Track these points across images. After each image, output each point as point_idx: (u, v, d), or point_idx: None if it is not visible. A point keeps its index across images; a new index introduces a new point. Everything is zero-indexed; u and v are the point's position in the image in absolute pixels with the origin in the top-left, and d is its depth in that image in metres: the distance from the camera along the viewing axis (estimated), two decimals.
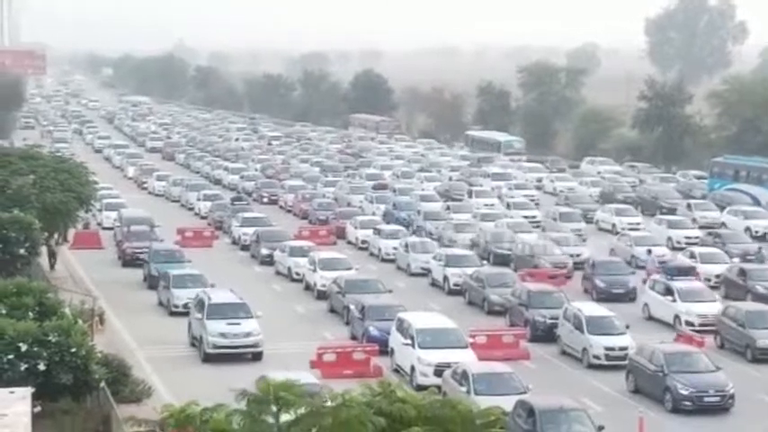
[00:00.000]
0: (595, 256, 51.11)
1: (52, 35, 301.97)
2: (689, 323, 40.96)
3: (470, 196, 71.32)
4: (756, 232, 60.53)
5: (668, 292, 42.69)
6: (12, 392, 21.88)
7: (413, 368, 34.43)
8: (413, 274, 51.48)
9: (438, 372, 33.28)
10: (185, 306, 41.67)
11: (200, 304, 38.14)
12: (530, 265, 50.37)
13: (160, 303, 44.56)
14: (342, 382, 26.60)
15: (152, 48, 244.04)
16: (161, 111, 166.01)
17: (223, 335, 36.61)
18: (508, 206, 66.62)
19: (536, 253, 51.45)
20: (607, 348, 36.72)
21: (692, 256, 51.35)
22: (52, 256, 49.66)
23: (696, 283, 43.96)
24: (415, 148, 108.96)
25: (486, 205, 66.82)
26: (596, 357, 36.68)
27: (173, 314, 42.75)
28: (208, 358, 36.54)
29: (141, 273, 49.97)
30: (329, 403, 18.39)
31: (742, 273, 46.90)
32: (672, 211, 65.86)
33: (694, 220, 63.02)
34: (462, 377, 31.16)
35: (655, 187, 75.58)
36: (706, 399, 32.23)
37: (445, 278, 48.63)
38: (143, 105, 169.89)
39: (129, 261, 53.38)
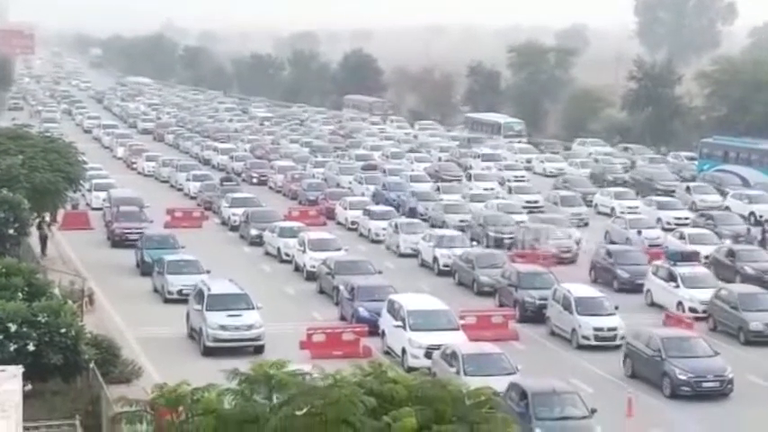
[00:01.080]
0: (610, 245, 49.85)
1: (40, 15, 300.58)
2: (692, 309, 40.30)
3: (468, 179, 70.60)
4: (761, 217, 59.56)
5: (671, 277, 41.98)
6: (2, 371, 21.86)
7: (404, 350, 34.44)
8: (402, 255, 51.49)
9: (429, 354, 33.25)
10: (180, 293, 41.04)
11: (199, 295, 36.90)
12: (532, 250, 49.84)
13: (155, 290, 43.81)
14: (331, 363, 26.61)
15: (141, 27, 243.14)
16: (151, 91, 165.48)
17: (224, 327, 35.25)
18: (510, 190, 65.65)
19: (539, 237, 50.81)
20: (596, 329, 36.66)
21: (681, 237, 51.38)
22: (43, 241, 49.13)
23: (699, 269, 43.26)
24: (407, 129, 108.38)
25: (486, 189, 66.06)
26: (585, 338, 36.65)
27: (167, 301, 41.94)
28: (208, 351, 34.96)
29: (131, 255, 49.22)
30: (320, 383, 18.41)
31: (731, 254, 46.85)
32: (668, 194, 65.30)
33: (694, 204, 62.78)
34: (452, 358, 31.18)
35: (650, 169, 75.01)
36: (704, 384, 31.83)
37: (435, 259, 48.63)
38: (143, 86, 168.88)
39: (119, 242, 53.15)
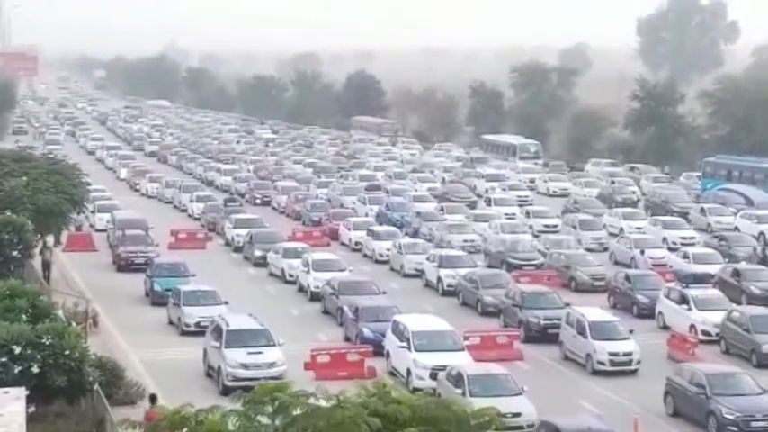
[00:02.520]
0: (628, 269, 49.20)
1: (43, 37, 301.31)
2: (705, 332, 39.76)
3: (489, 204, 68.80)
4: None
5: (683, 300, 41.38)
6: (6, 392, 21.84)
7: (409, 371, 34.32)
8: (406, 276, 51.47)
9: (434, 375, 33.13)
10: (198, 325, 39.55)
11: (216, 331, 34.99)
12: (565, 278, 48.89)
13: (170, 322, 42.09)
14: (336, 384, 26.57)
15: (144, 49, 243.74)
16: (155, 112, 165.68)
17: (244, 366, 33.24)
18: (527, 214, 64.49)
19: (572, 264, 49.75)
20: (611, 354, 36.14)
21: (686, 256, 51.30)
22: (46, 267, 48.15)
23: (713, 291, 42.51)
24: (414, 150, 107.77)
25: (507, 215, 64.41)
26: (600, 363, 36.08)
27: (184, 334, 40.25)
28: (226, 391, 31.83)
29: (137, 280, 47.94)
30: (324, 404, 18.36)
31: (736, 273, 46.58)
32: (684, 215, 64.33)
33: (709, 225, 62.42)
34: (457, 379, 31.08)
35: (665, 191, 73.60)
36: (753, 423, 30.01)
37: (439, 279, 48.58)
38: (164, 109, 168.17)
39: (124, 266, 52.43)
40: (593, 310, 39.02)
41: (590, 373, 36.11)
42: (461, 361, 33.35)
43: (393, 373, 35.38)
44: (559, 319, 39.38)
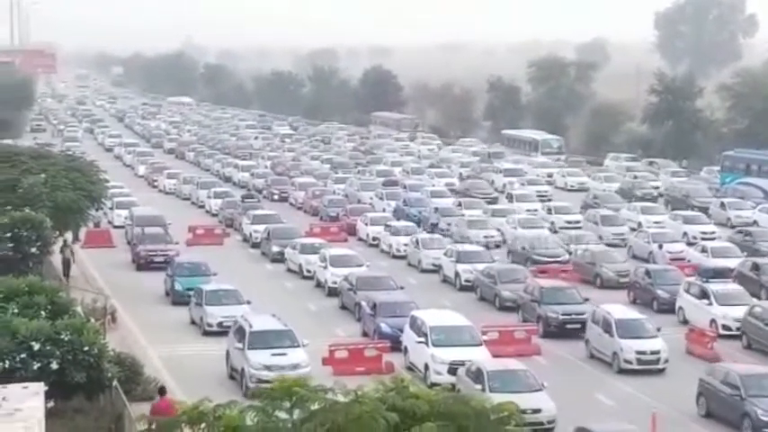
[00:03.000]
0: (648, 264, 48.85)
1: (61, 35, 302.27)
2: (726, 327, 39.43)
3: (510, 200, 68.38)
4: None
5: (704, 295, 41.03)
6: (25, 387, 21.92)
7: (426, 366, 34.28)
8: (424, 271, 51.45)
9: (452, 370, 33.07)
10: (220, 325, 39.05)
11: (239, 332, 34.39)
12: (591, 274, 48.48)
13: (192, 322, 41.63)
14: (354, 379, 26.57)
15: (161, 46, 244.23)
16: (173, 108, 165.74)
17: (268, 367, 32.53)
18: (549, 210, 63.60)
19: (597, 260, 49.08)
20: (638, 352, 35.58)
21: (704, 250, 51.15)
22: (66, 265, 47.98)
23: (733, 286, 42.06)
24: (431, 145, 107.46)
25: (529, 211, 63.75)
26: (627, 362, 35.48)
27: (206, 334, 39.80)
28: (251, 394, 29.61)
29: (155, 278, 47.65)
30: (342, 399, 18.38)
31: (755, 267, 46.35)
32: (704, 210, 64.08)
33: (729, 219, 62.09)
34: (477, 375, 31.00)
35: (686, 185, 73.14)
36: None
37: (456, 274, 48.54)
38: (184, 106, 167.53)
39: (144, 265, 51.90)
40: (620, 308, 38.43)
41: (616, 371, 35.53)
42: (479, 356, 33.31)
43: (411, 368, 35.36)
44: (579, 315, 39.28)
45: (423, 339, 34.96)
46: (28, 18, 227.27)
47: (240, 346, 33.72)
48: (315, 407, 18.22)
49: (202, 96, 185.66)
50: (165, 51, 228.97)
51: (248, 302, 40.30)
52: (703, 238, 55.41)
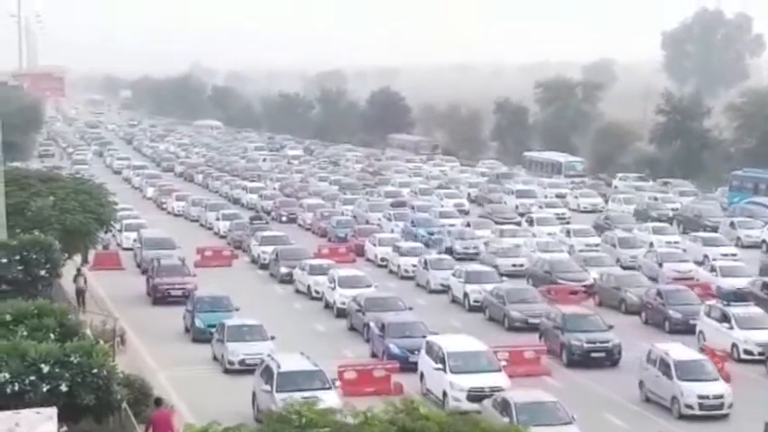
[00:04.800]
0: (661, 285, 47.96)
1: (69, 58, 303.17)
2: (747, 351, 38.76)
3: (531, 224, 66.52)
4: None
5: (724, 318, 40.08)
6: (38, 413, 21.88)
7: (445, 393, 33.45)
8: (432, 291, 51.41)
9: (471, 397, 32.20)
10: (242, 363, 37.21)
11: (266, 372, 32.40)
12: (616, 299, 47.28)
13: (214, 358, 39.50)
14: (363, 400, 26.54)
15: (169, 69, 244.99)
16: (182, 131, 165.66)
17: None
18: (568, 233, 62.16)
19: (622, 285, 47.96)
20: (701, 397, 33.00)
21: (713, 269, 51.05)
22: (80, 295, 46.93)
23: (755, 309, 41.02)
24: (443, 167, 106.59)
25: (550, 234, 62.37)
26: (689, 407, 32.92)
27: (228, 372, 37.74)
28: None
29: (171, 312, 45.51)
30: (351, 421, 18.35)
31: (765, 287, 46.10)
32: (714, 230, 63.52)
33: (739, 239, 61.66)
34: (504, 406, 29.71)
35: (698, 205, 72.27)
36: None
37: (465, 295, 48.45)
38: (214, 130, 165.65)
39: (161, 299, 48.92)
40: (678, 348, 35.77)
41: (677, 417, 33.02)
42: (499, 382, 32.70)
43: (427, 394, 34.51)
44: (603, 343, 38.34)
45: (440, 366, 34.21)
46: (36, 41, 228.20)
47: (268, 388, 31.48)
48: (324, 430, 18.20)
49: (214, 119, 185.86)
50: (173, 74, 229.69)
51: (272, 338, 38.33)
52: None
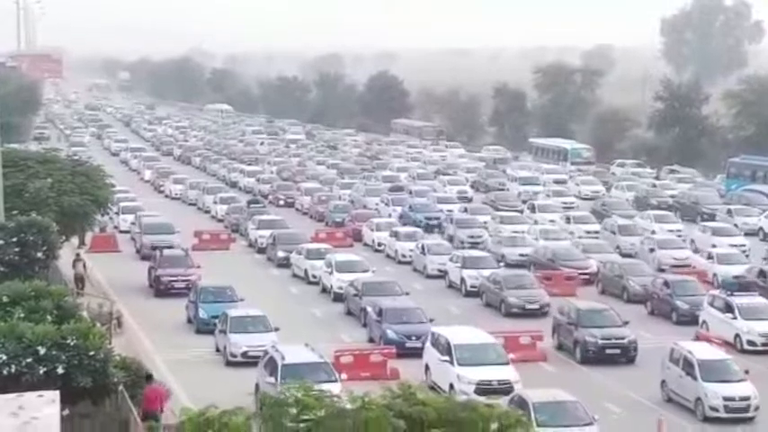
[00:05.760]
0: (667, 275, 47.02)
1: (67, 39, 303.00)
2: (751, 342, 38.38)
3: (532, 211, 65.69)
4: None
5: (728, 308, 39.60)
6: (40, 396, 21.88)
7: (452, 386, 32.56)
8: (429, 276, 51.42)
9: (479, 390, 31.09)
10: (245, 355, 36.40)
11: (270, 364, 31.93)
12: (618, 287, 47.06)
13: (217, 350, 38.67)
14: (359, 384, 26.56)
15: (168, 50, 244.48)
16: (170, 111, 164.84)
17: None
18: (568, 220, 61.85)
19: (625, 273, 47.40)
20: (726, 398, 31.70)
21: (710, 257, 51.03)
22: (79, 281, 46.54)
23: (759, 300, 40.41)
24: (443, 152, 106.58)
25: (551, 221, 61.76)
26: (713, 409, 31.66)
27: (230, 364, 36.89)
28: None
29: (174, 303, 44.56)
30: (349, 406, 18.34)
31: (762, 274, 46.14)
32: (711, 217, 63.47)
33: (736, 226, 61.19)
34: (521, 406, 28.31)
35: (696, 192, 71.93)
36: None
37: (462, 280, 48.46)
38: (235, 115, 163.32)
39: (164, 291, 47.62)
40: (703, 347, 34.80)
41: (701, 419, 31.84)
42: (508, 375, 32.37)
43: (433, 387, 33.62)
44: (618, 339, 37.47)
45: (447, 358, 33.56)
46: (35, 23, 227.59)
47: (272, 380, 30.77)
48: (321, 414, 18.18)
49: (209, 101, 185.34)
50: (171, 56, 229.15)
51: (276, 330, 37.58)
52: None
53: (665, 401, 33.37)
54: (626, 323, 38.66)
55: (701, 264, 50.71)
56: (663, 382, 33.78)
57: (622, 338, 37.70)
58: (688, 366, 32.67)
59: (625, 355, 37.44)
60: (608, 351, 37.34)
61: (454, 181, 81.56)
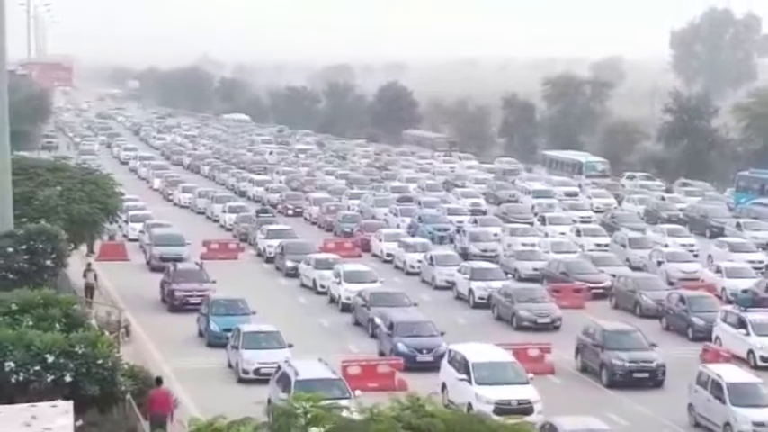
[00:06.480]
0: (683, 291, 46.17)
1: (77, 48, 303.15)
2: (764, 358, 37.99)
3: (543, 223, 65.40)
4: None
5: (741, 324, 39.30)
6: (54, 406, 21.90)
7: (470, 405, 31.61)
8: (437, 287, 51.36)
9: (498, 410, 30.10)
10: (257, 372, 35.43)
11: (284, 379, 31.24)
12: (631, 302, 46.44)
13: (229, 365, 37.68)
14: (368, 396, 26.50)
15: (177, 59, 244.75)
16: (189, 122, 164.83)
17: None
18: (578, 233, 61.45)
19: (638, 287, 46.76)
20: (756, 424, 30.50)
21: (718, 270, 50.88)
22: (89, 291, 46.16)
23: None
24: (452, 163, 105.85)
25: (562, 234, 61.36)
26: None
27: (242, 381, 35.81)
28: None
29: (187, 319, 43.46)
30: (357, 417, 18.31)
31: None
32: (720, 231, 63.26)
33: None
34: None
35: (705, 206, 71.44)
36: None
37: (470, 291, 48.36)
38: (245, 124, 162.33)
39: (178, 307, 46.16)
40: (731, 369, 33.62)
41: None
42: (527, 395, 31.82)
43: (449, 406, 32.19)
44: (647, 362, 36.33)
45: (465, 377, 32.87)
46: (45, 31, 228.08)
47: (285, 396, 28.58)
48: (329, 425, 18.16)
49: (218, 110, 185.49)
50: (180, 65, 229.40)
51: (290, 346, 36.71)
52: (755, 269, 52.54)
53: (692, 426, 32.54)
54: (653, 345, 37.45)
55: (710, 277, 50.57)
56: (690, 405, 32.86)
57: (650, 362, 36.47)
58: (716, 390, 31.70)
59: (653, 380, 36.23)
60: (636, 375, 36.17)
61: (468, 193, 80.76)
